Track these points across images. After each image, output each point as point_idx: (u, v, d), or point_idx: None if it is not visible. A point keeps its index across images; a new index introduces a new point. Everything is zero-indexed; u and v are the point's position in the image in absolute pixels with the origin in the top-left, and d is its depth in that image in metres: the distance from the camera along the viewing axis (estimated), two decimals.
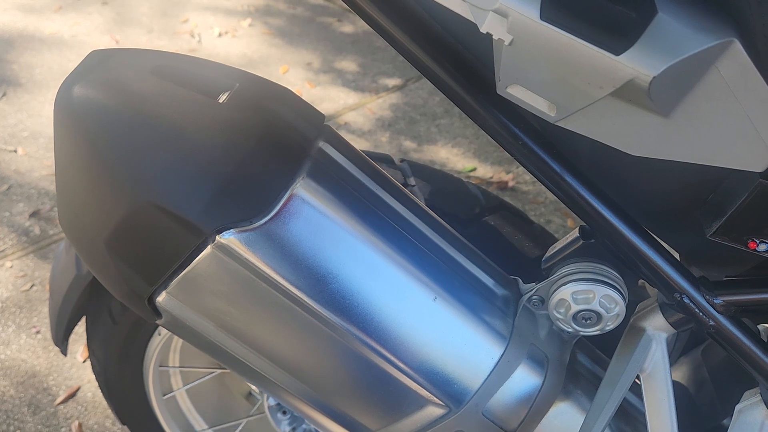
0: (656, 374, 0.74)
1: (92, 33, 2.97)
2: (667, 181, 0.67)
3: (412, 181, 0.99)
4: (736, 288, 0.69)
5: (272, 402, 1.18)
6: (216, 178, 0.62)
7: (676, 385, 0.93)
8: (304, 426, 1.20)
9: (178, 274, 0.65)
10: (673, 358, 0.95)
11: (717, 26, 0.50)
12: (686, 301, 0.68)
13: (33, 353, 1.72)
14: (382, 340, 0.68)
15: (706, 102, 0.53)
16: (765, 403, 0.72)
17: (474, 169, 2.36)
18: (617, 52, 0.49)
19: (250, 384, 1.14)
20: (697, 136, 0.55)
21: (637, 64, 0.49)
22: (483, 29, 0.51)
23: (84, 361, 1.71)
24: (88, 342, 1.16)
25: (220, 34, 3.03)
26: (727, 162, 0.56)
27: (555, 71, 0.52)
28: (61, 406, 1.62)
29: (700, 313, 0.68)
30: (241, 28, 3.08)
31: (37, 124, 2.45)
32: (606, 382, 0.75)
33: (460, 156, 2.42)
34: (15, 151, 2.32)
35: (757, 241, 0.63)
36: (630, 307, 0.74)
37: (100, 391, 1.29)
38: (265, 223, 0.63)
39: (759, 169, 0.56)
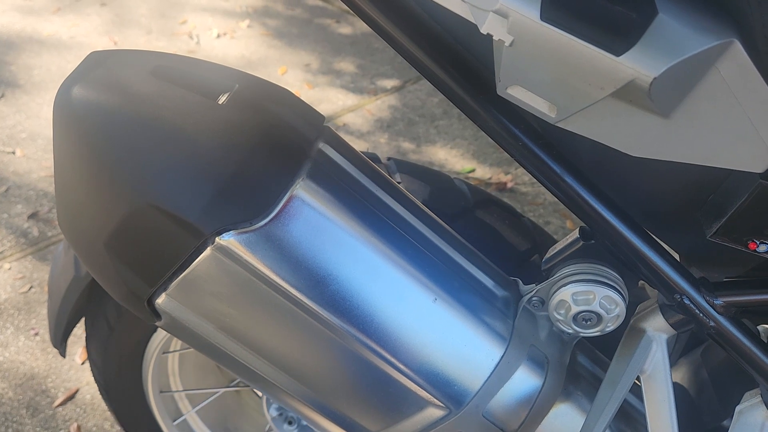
0: (656, 375, 0.74)
1: (91, 34, 2.96)
2: (668, 182, 0.67)
3: (397, 178, 0.99)
4: (736, 289, 0.69)
5: (275, 413, 1.18)
6: (216, 180, 0.62)
7: (676, 386, 0.93)
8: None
9: (178, 276, 0.64)
10: (673, 359, 0.95)
11: (717, 27, 0.50)
12: (686, 302, 0.68)
13: (31, 355, 1.72)
14: (382, 341, 0.67)
15: (706, 102, 0.52)
16: (765, 404, 0.72)
17: (473, 170, 2.36)
18: (618, 53, 0.49)
19: (249, 384, 1.13)
20: (698, 136, 0.55)
21: (638, 65, 0.48)
22: (483, 30, 0.51)
23: (83, 363, 1.70)
24: (87, 344, 1.15)
25: (218, 36, 3.03)
26: (727, 163, 0.56)
27: (555, 72, 0.52)
28: (60, 408, 1.62)
29: (701, 314, 0.68)
30: (239, 30, 3.08)
31: (36, 126, 2.45)
32: (606, 383, 0.75)
33: (459, 157, 2.42)
34: (13, 153, 2.31)
35: (758, 242, 0.63)
36: (630, 308, 0.74)
37: (98, 393, 1.29)
38: (265, 224, 0.63)
39: (759, 169, 0.56)
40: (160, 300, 0.67)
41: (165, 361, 1.19)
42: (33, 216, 2.09)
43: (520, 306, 0.75)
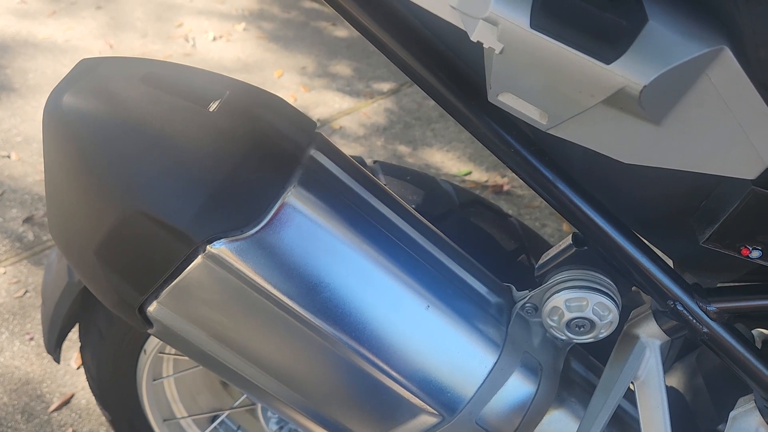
0: (650, 381, 0.74)
1: (86, 37, 2.96)
2: (660, 188, 0.67)
3: (382, 180, 0.98)
4: (729, 295, 0.68)
5: (274, 427, 1.18)
6: (206, 187, 0.61)
7: (670, 390, 0.93)
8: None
9: (169, 284, 0.64)
10: (668, 363, 0.95)
11: (707, 33, 0.50)
12: (679, 308, 0.68)
13: (26, 360, 1.71)
14: (374, 349, 0.67)
15: (697, 109, 0.52)
16: (759, 410, 0.72)
17: (469, 173, 2.36)
18: (608, 61, 0.48)
19: (242, 392, 1.13)
20: (689, 143, 0.55)
21: (628, 73, 0.48)
22: (473, 38, 0.51)
23: (78, 368, 1.70)
24: (81, 349, 1.15)
25: (214, 39, 3.03)
26: (718, 169, 0.56)
27: (546, 80, 0.52)
28: (55, 414, 1.61)
29: (694, 321, 0.68)
30: (235, 33, 3.08)
31: (31, 129, 2.44)
32: (600, 389, 0.75)
33: (455, 160, 2.42)
34: (8, 157, 2.31)
35: (750, 248, 0.63)
36: (624, 313, 0.74)
37: (94, 398, 1.29)
38: (257, 232, 0.63)
39: (751, 176, 0.56)
40: (152, 308, 0.66)
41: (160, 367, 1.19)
42: (28, 220, 2.08)
43: (514, 312, 0.75)
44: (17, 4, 3.16)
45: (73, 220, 0.66)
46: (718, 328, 0.68)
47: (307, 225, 0.64)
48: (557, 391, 0.76)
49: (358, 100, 2.71)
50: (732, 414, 0.74)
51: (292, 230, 0.64)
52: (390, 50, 0.63)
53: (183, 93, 0.65)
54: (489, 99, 0.56)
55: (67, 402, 1.63)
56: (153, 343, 1.10)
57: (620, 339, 0.76)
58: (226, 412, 1.26)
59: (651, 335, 0.73)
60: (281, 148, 0.66)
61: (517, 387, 0.73)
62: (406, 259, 0.69)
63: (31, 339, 1.76)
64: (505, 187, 2.29)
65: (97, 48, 2.89)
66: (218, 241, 0.62)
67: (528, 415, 0.73)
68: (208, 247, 0.62)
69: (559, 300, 0.71)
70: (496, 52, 0.51)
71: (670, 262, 0.73)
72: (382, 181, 0.99)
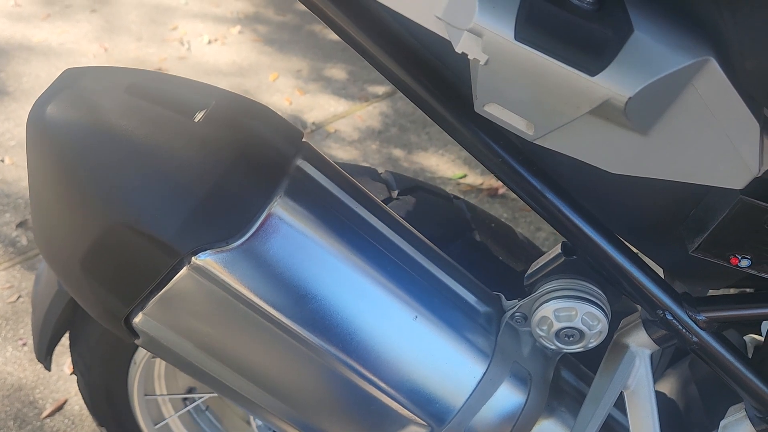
0: (640, 391, 0.73)
1: (80, 41, 2.95)
2: (649, 197, 0.67)
3: (395, 193, 0.98)
4: (718, 304, 0.68)
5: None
6: (192, 198, 0.61)
7: (662, 397, 0.93)
8: None
9: (155, 295, 0.64)
10: (660, 369, 0.95)
11: (693, 44, 0.49)
12: (669, 317, 0.68)
13: (19, 366, 1.71)
14: (362, 360, 0.67)
15: (683, 120, 0.52)
16: (750, 419, 0.72)
17: (464, 176, 2.36)
18: (592, 73, 0.48)
19: (230, 402, 1.13)
20: (676, 153, 0.54)
21: (613, 85, 0.48)
22: (458, 49, 0.51)
23: (71, 374, 1.69)
24: (72, 357, 1.14)
25: (209, 42, 3.02)
26: (706, 179, 0.56)
27: (531, 91, 0.51)
28: (48, 420, 1.60)
29: (683, 330, 0.68)
30: (230, 36, 3.08)
31: (25, 133, 2.43)
32: (590, 399, 0.74)
33: (450, 163, 2.42)
34: (2, 161, 2.30)
35: (739, 257, 0.63)
36: (616, 319, 0.74)
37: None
38: (242, 243, 0.62)
39: (738, 186, 0.56)
40: (138, 319, 0.66)
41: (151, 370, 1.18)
42: (21, 224, 2.07)
43: (503, 322, 0.74)
44: (11, 7, 3.15)
45: (58, 232, 0.65)
46: (708, 338, 0.68)
47: (293, 235, 0.64)
48: (547, 400, 0.76)
49: (353, 104, 2.70)
50: (723, 423, 0.74)
51: (279, 241, 0.63)
52: (377, 60, 0.63)
53: (168, 103, 0.64)
54: (475, 109, 0.56)
55: (60, 408, 1.63)
56: (143, 352, 1.09)
57: (610, 348, 0.76)
58: (205, 396, 1.25)
59: (641, 344, 0.73)
60: (267, 158, 0.65)
61: (507, 397, 0.72)
62: (394, 269, 0.69)
63: (24, 344, 1.75)
64: (500, 191, 2.28)
65: (92, 51, 2.88)
66: (203, 252, 0.61)
67: (518, 425, 0.73)
68: (193, 258, 0.61)
69: (548, 310, 0.71)
70: (481, 63, 0.51)
71: (659, 271, 0.72)
72: (395, 194, 0.98)
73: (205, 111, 0.65)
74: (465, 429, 0.71)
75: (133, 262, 0.62)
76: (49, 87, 0.65)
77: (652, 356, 0.74)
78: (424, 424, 0.70)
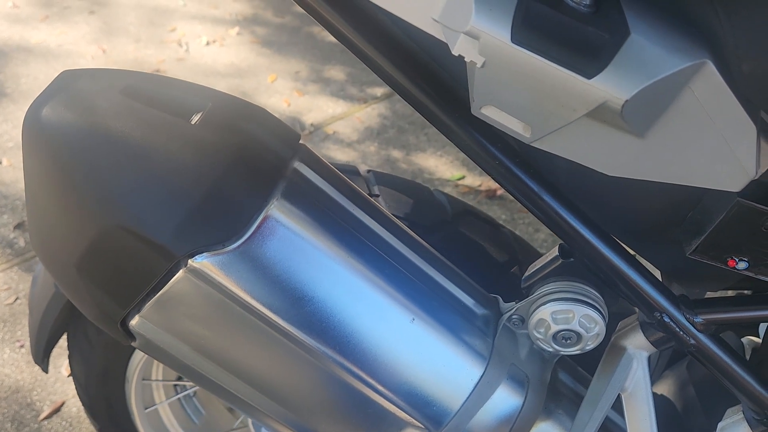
0: (637, 393, 0.73)
1: (79, 42, 2.95)
2: (646, 199, 0.67)
3: (376, 190, 0.98)
4: (716, 306, 0.68)
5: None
6: (188, 201, 0.61)
7: (660, 399, 0.93)
8: None
9: (151, 298, 0.64)
10: (658, 371, 0.95)
11: (690, 47, 0.49)
12: (666, 320, 0.68)
13: (17, 368, 1.70)
14: (359, 362, 0.67)
15: (680, 123, 0.52)
16: (747, 421, 0.72)
17: (462, 178, 2.36)
18: (589, 76, 0.48)
19: (227, 404, 1.13)
20: (673, 156, 0.54)
21: (609, 88, 0.48)
22: (454, 51, 0.51)
23: (69, 376, 1.69)
24: (69, 359, 1.14)
25: (207, 43, 3.02)
26: (703, 182, 0.56)
27: (528, 93, 0.51)
28: (46, 422, 1.60)
29: (681, 332, 0.68)
30: (228, 37, 3.07)
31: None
32: (587, 401, 0.74)
33: (449, 164, 2.42)
34: (0, 162, 2.30)
35: (736, 259, 0.63)
36: (613, 321, 0.73)
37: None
38: (239, 246, 0.62)
39: (735, 188, 0.56)
40: (134, 322, 0.66)
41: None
42: (19, 226, 2.07)
43: (500, 324, 0.74)
44: (9, 8, 3.15)
45: (54, 234, 0.65)
46: (706, 340, 0.68)
47: (290, 238, 0.64)
48: (544, 402, 0.76)
49: (352, 105, 2.70)
50: (720, 425, 0.74)
51: (275, 243, 0.63)
52: (374, 62, 0.63)
53: (164, 105, 0.64)
54: (472, 112, 0.56)
55: (57, 410, 1.62)
56: (141, 354, 1.09)
57: (607, 350, 0.76)
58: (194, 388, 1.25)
59: (638, 347, 0.73)
60: (264, 160, 0.65)
61: (504, 399, 0.72)
62: (391, 272, 0.68)
63: (22, 346, 1.75)
64: (499, 192, 2.28)
65: (90, 53, 2.88)
66: (200, 255, 0.61)
67: (515, 427, 0.73)
68: (189, 261, 0.61)
69: (545, 312, 0.71)
70: (478, 65, 0.51)
71: (657, 274, 0.72)
72: (375, 191, 0.98)
73: (201, 113, 0.65)
74: (462, 431, 0.71)
75: (129, 264, 0.62)
76: (45, 89, 0.65)
77: (649, 358, 0.74)
78: (421, 426, 0.70)
